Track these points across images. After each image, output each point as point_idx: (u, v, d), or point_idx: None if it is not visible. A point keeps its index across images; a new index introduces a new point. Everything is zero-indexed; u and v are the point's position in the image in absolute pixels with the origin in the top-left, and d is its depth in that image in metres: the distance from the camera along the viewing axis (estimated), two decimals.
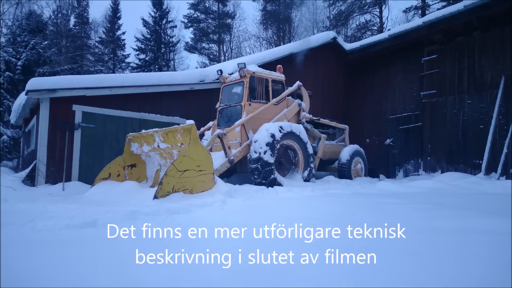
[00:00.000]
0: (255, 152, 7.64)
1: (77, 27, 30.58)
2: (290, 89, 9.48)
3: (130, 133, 7.52)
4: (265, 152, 7.55)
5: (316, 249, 2.46)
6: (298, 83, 9.72)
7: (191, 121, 6.22)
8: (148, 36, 32.64)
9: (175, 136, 6.55)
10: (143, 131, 7.19)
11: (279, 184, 7.60)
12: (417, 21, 13.00)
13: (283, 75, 9.61)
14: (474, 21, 10.96)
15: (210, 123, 9.53)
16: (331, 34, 14.46)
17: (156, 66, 31.89)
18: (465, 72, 11.44)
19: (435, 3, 22.94)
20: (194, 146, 6.07)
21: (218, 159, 7.75)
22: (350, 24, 27.97)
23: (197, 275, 1.99)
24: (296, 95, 9.91)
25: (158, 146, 6.93)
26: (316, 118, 10.28)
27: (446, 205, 4.39)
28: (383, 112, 13.93)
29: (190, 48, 33.77)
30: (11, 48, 18.36)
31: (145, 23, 32.74)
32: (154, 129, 6.98)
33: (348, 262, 2.17)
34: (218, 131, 7.75)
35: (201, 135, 9.23)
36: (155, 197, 5.58)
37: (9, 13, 22.65)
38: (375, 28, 26.58)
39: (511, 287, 1.74)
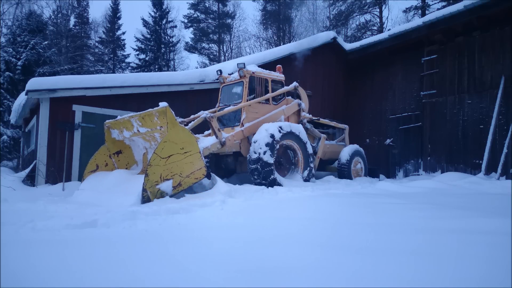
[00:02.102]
0: (255, 153, 7.63)
1: (77, 27, 30.60)
2: (286, 88, 9.45)
3: (107, 120, 7.31)
4: (264, 153, 7.54)
5: (316, 249, 2.46)
6: (294, 83, 9.69)
7: (164, 103, 6.01)
8: (148, 36, 32.65)
9: (152, 120, 6.35)
10: (119, 117, 6.95)
11: (279, 184, 7.59)
12: (417, 21, 12.99)
13: (282, 75, 9.60)
14: (474, 21, 10.96)
15: (201, 112, 9.34)
16: (331, 34, 14.46)
17: (156, 66, 31.90)
18: (465, 72, 11.44)
19: (435, 3, 22.95)
20: (173, 129, 5.88)
21: (211, 141, 7.67)
22: (350, 24, 27.99)
23: (197, 275, 1.99)
24: (296, 95, 9.90)
25: (138, 130, 6.75)
26: (316, 118, 10.28)
27: (446, 205, 4.39)
28: (383, 112, 13.93)
29: (190, 48, 33.78)
30: (11, 48, 18.36)
31: (145, 23, 32.75)
32: (129, 114, 6.77)
33: (348, 262, 2.17)
34: (205, 113, 7.63)
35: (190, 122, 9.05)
36: (144, 190, 5.41)
37: (9, 13, 22.67)
38: (375, 28, 26.59)
39: (511, 287, 1.74)
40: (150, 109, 6.30)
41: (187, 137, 6.03)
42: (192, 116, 9.16)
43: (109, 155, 7.23)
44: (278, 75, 9.48)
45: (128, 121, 6.77)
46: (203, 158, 6.29)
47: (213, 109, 9.34)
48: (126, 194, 5.60)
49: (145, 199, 5.46)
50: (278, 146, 7.87)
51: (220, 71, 9.53)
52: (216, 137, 7.63)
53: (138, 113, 6.59)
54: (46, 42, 19.90)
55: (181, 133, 5.97)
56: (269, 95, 8.93)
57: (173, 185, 5.81)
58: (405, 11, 24.97)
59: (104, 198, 5.75)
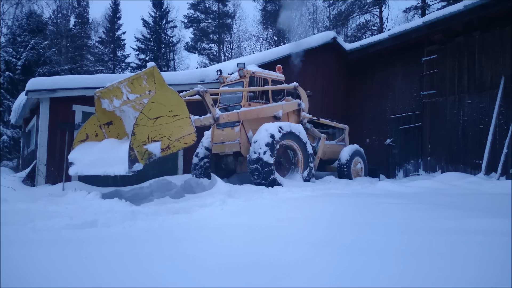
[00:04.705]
0: (255, 153, 7.62)
1: (77, 27, 30.62)
2: (285, 86, 9.43)
3: (97, 90, 7.08)
4: (264, 153, 7.54)
5: (316, 249, 2.46)
6: (294, 83, 9.68)
7: (152, 63, 5.82)
8: (148, 36, 32.68)
9: (141, 84, 6.14)
10: (109, 84, 6.74)
11: (279, 184, 7.59)
12: (417, 21, 13.00)
13: (282, 75, 9.59)
14: (474, 21, 10.97)
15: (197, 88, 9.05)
16: (331, 34, 14.47)
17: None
18: (465, 72, 11.44)
19: (435, 3, 22.96)
20: (162, 90, 5.67)
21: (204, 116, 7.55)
22: (350, 24, 28.01)
23: (197, 275, 1.99)
24: (296, 95, 9.89)
25: (128, 98, 6.55)
26: (316, 118, 10.27)
27: (446, 205, 4.39)
28: (383, 112, 13.93)
29: (190, 48, 33.80)
30: (11, 48, 18.37)
31: (145, 23, 32.78)
32: (119, 80, 6.55)
33: (347, 262, 2.17)
34: (199, 87, 7.45)
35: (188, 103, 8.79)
36: (131, 149, 5.25)
37: (9, 13, 22.69)
38: (375, 28, 26.59)
39: (511, 287, 1.74)
40: (138, 72, 6.04)
41: (176, 100, 5.81)
42: (186, 93, 8.87)
43: (99, 125, 7.01)
44: (278, 75, 9.47)
45: (117, 88, 6.55)
46: (193, 124, 6.11)
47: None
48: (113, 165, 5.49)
49: (132, 158, 5.31)
50: (278, 146, 7.86)
51: (220, 71, 9.51)
52: (210, 112, 7.50)
53: (127, 78, 6.37)
54: (46, 42, 19.92)
55: (170, 95, 5.75)
56: (268, 87, 8.92)
57: (162, 148, 5.64)
58: (405, 11, 25.01)
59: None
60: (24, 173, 8.91)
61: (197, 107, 10.67)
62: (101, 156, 5.88)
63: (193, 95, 7.49)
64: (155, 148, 5.58)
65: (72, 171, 6.53)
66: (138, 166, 5.39)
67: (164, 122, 5.67)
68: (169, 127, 5.73)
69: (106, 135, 7.02)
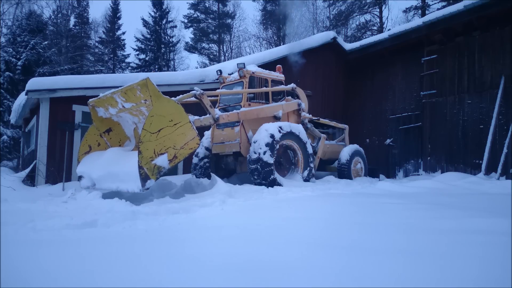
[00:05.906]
0: (255, 153, 7.62)
1: (77, 27, 30.62)
2: (284, 87, 9.42)
3: (91, 99, 7.01)
4: (264, 153, 7.54)
5: (316, 249, 2.47)
6: (292, 85, 9.66)
7: (144, 75, 5.85)
8: (148, 36, 32.68)
9: (135, 94, 6.12)
10: (101, 94, 6.72)
11: (279, 184, 7.59)
12: (417, 21, 13.00)
13: (282, 75, 9.58)
14: (474, 21, 10.97)
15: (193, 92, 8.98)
16: (331, 34, 14.47)
17: (156, 66, 31.92)
18: (465, 72, 11.44)
19: (435, 3, 22.96)
20: (158, 101, 5.70)
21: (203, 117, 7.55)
22: (350, 24, 28.00)
23: (197, 275, 1.99)
24: (295, 96, 9.89)
25: (123, 106, 6.56)
26: (316, 118, 10.27)
27: (445, 205, 4.39)
28: (383, 112, 13.93)
29: (190, 48, 33.80)
30: (11, 48, 18.37)
31: (145, 23, 32.78)
32: (111, 91, 6.50)
33: (347, 262, 2.17)
34: (195, 89, 7.40)
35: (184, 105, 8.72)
36: (140, 167, 5.31)
37: (9, 13, 22.68)
38: (375, 28, 26.59)
39: (511, 287, 1.74)
40: (131, 83, 6.08)
41: (174, 108, 5.84)
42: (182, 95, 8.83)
43: (100, 134, 7.00)
44: (278, 75, 9.47)
45: (111, 98, 6.53)
46: (194, 128, 6.13)
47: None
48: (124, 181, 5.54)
49: (143, 177, 5.38)
50: (278, 146, 7.86)
51: (220, 71, 9.50)
52: (209, 113, 7.48)
53: (120, 88, 6.35)
54: (46, 42, 19.93)
55: (167, 105, 5.78)
56: (268, 89, 8.92)
57: (169, 159, 5.71)
58: (405, 11, 25.01)
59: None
60: (24, 173, 8.91)
61: (197, 107, 10.67)
62: (110, 170, 5.91)
63: (189, 98, 7.48)
64: (163, 161, 5.65)
65: (83, 184, 6.54)
66: (151, 183, 5.49)
67: (167, 133, 5.72)
68: (172, 137, 5.79)
69: (108, 143, 7.04)
